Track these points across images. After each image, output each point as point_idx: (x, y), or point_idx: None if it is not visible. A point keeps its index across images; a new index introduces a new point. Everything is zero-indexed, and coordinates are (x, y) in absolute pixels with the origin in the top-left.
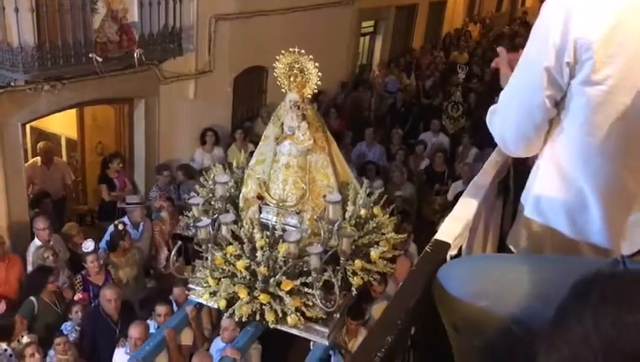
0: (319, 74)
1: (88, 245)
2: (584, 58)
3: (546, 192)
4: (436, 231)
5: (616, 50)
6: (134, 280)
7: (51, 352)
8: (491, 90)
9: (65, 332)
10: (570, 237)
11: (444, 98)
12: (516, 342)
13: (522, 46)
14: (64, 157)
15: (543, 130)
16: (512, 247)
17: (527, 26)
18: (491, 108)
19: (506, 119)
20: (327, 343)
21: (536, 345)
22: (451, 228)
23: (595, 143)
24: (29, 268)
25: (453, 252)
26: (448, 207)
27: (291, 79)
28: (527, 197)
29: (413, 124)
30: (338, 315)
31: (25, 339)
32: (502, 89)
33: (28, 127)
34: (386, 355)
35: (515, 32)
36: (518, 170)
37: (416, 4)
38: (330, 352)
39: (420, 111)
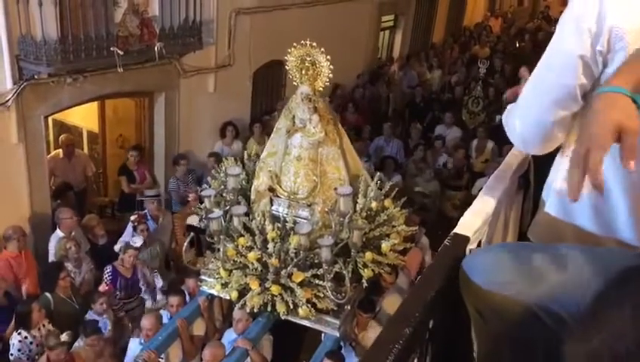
0: (331, 67)
1: (136, 240)
2: (617, 47)
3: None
4: (455, 226)
5: None
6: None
7: (79, 342)
8: (512, 85)
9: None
10: (594, 233)
11: (464, 93)
12: (541, 328)
13: (545, 41)
14: (85, 150)
15: (565, 125)
16: (533, 240)
17: (550, 21)
18: (508, 107)
19: (528, 114)
20: (337, 334)
21: (566, 332)
22: (471, 222)
23: None
24: (52, 259)
25: (472, 246)
26: (469, 202)
27: (303, 72)
28: (549, 193)
29: (433, 118)
30: (349, 307)
31: (49, 327)
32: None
33: (50, 119)
34: (404, 347)
35: (538, 26)
36: (539, 165)
37: None
38: (341, 344)
39: (441, 106)
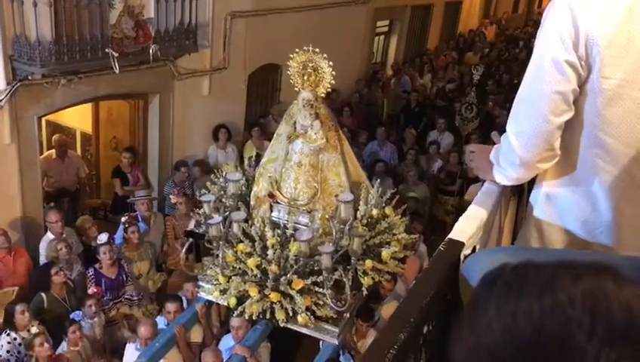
0: (333, 73)
1: (102, 237)
2: (594, 53)
3: (555, 192)
4: (449, 232)
5: (625, 46)
6: (147, 274)
7: (63, 344)
8: (506, 91)
9: (77, 319)
10: (580, 238)
11: (457, 99)
12: None
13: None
14: (79, 151)
15: (560, 132)
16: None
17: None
18: (497, 145)
19: (526, 128)
20: (337, 343)
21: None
22: (465, 228)
23: (607, 139)
24: (42, 261)
25: (466, 251)
26: (463, 207)
27: (305, 78)
28: (537, 197)
29: (427, 123)
30: (348, 315)
31: (34, 330)
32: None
33: (44, 120)
34: (399, 353)
35: (531, 34)
36: None
37: (432, 4)
38: (340, 352)
39: (435, 112)
